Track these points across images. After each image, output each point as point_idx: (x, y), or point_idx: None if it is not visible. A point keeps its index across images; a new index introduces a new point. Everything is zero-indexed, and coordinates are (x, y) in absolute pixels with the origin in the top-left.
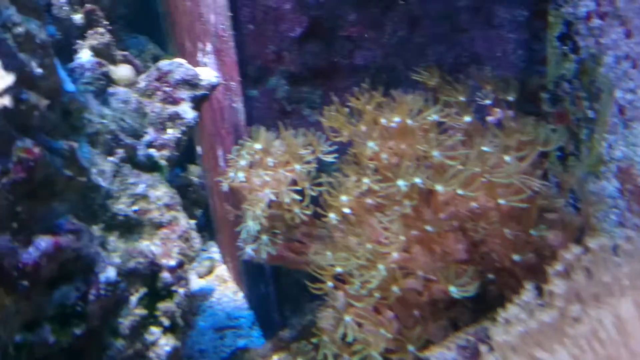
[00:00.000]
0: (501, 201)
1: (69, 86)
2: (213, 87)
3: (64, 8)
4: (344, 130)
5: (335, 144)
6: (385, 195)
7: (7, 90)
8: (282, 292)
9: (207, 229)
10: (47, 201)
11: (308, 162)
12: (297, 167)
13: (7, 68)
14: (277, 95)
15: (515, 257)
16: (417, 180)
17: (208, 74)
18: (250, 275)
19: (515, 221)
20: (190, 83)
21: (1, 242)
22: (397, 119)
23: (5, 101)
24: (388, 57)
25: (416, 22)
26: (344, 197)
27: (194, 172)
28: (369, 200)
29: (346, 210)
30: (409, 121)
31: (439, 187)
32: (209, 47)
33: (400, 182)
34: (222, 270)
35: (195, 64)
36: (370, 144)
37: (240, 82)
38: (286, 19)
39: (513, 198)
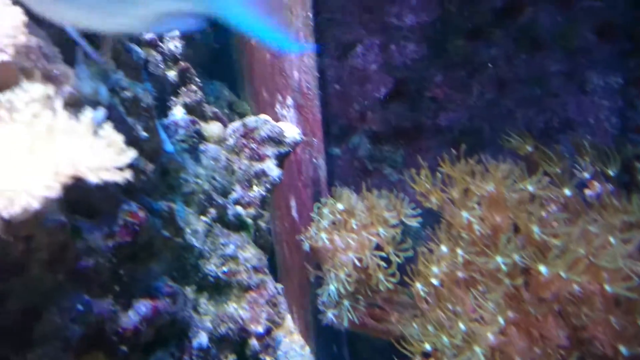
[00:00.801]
0: (607, 287)
1: (168, 146)
2: (296, 144)
3: (159, 66)
4: (433, 196)
5: (420, 207)
6: (480, 270)
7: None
8: (357, 357)
9: (272, 275)
10: (146, 263)
11: (393, 226)
12: (382, 230)
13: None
14: (358, 153)
15: (623, 349)
16: (517, 258)
17: (291, 131)
18: (322, 333)
19: (623, 309)
20: (275, 140)
21: (103, 306)
22: (490, 187)
23: (127, 175)
24: (474, 120)
25: (505, 85)
26: (434, 269)
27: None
28: (460, 274)
29: (435, 281)
30: (504, 191)
31: (542, 269)
32: (289, 100)
33: (499, 259)
34: (287, 320)
35: (273, 114)
36: (464, 214)
37: (323, 139)
38: (372, 80)
39: (620, 284)
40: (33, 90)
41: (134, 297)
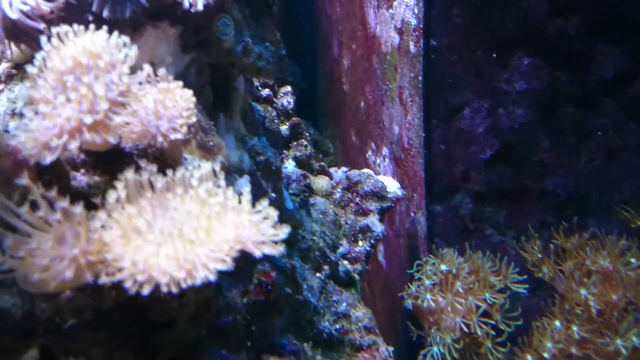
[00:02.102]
0: None
1: (289, 204)
2: (398, 200)
3: (274, 121)
4: (544, 266)
5: (526, 272)
6: (596, 349)
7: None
8: None
9: None
10: (273, 319)
11: (499, 291)
12: (488, 296)
13: (255, 198)
14: (460, 212)
15: None
16: (637, 341)
17: (392, 186)
18: None
19: None
20: (378, 195)
21: None
22: (606, 264)
23: (282, 249)
24: (581, 186)
25: (613, 154)
26: (549, 344)
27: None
28: (574, 350)
29: (548, 356)
30: (620, 269)
31: None
32: (384, 151)
33: (620, 342)
34: None
35: (363, 159)
36: (583, 291)
37: (425, 196)
38: (478, 141)
39: None
40: (202, 167)
41: (262, 352)
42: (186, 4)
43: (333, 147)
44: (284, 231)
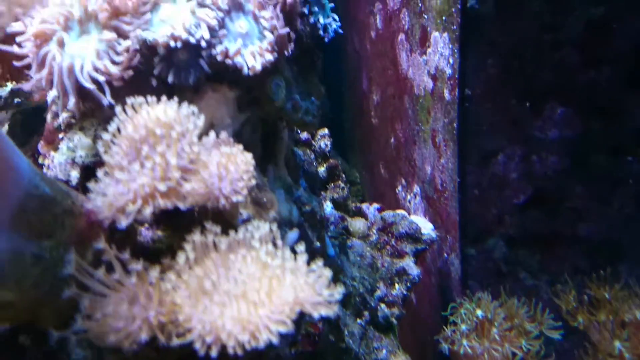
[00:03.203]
0: None
1: (331, 250)
2: (432, 242)
3: (313, 164)
4: (579, 316)
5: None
6: None
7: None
8: None
9: None
10: None
11: (535, 338)
12: (524, 343)
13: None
14: (494, 255)
15: None
16: None
17: (426, 226)
18: None
19: None
20: (413, 237)
21: None
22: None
23: (336, 309)
24: (613, 232)
25: None
26: None
27: None
28: None
29: None
30: None
31: None
32: (416, 189)
33: None
34: None
35: (393, 194)
36: (617, 344)
37: (459, 238)
38: (511, 187)
39: None
40: (261, 228)
41: None
42: (245, 70)
43: (360, 176)
44: (339, 292)
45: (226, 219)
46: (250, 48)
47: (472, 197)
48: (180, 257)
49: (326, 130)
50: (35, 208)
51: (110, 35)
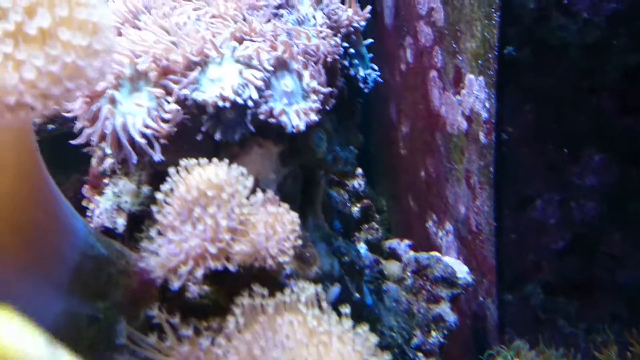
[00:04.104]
0: None
1: (368, 299)
2: (468, 287)
3: (347, 204)
4: None
5: None
6: None
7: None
8: None
9: None
10: None
11: None
12: None
13: (344, 302)
14: (531, 302)
15: None
16: None
17: (461, 270)
18: None
19: None
20: (449, 281)
21: None
22: None
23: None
24: None
25: None
26: None
27: None
28: None
29: None
30: None
31: None
32: (448, 226)
33: None
34: None
35: (423, 229)
36: None
37: (496, 283)
38: (549, 232)
39: None
40: (307, 290)
41: None
42: (289, 128)
43: (386, 205)
44: (384, 358)
45: (270, 275)
46: (295, 107)
47: (509, 242)
48: (230, 322)
49: (359, 170)
50: (91, 269)
51: (160, 94)
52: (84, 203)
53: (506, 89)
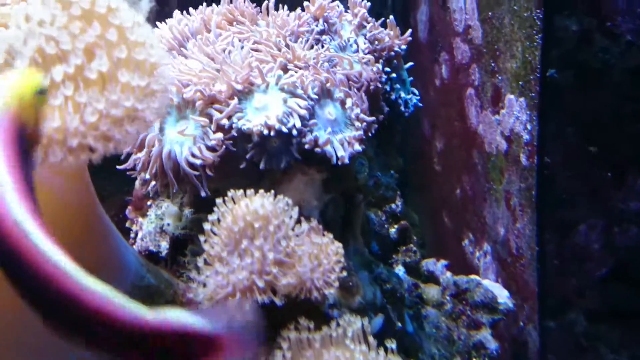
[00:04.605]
0: None
1: (409, 327)
2: (509, 312)
3: (384, 226)
4: None
5: None
6: None
7: None
8: None
9: None
10: None
11: None
12: None
13: (387, 332)
14: (574, 329)
15: None
16: None
17: (502, 294)
18: None
19: None
20: (489, 307)
21: None
22: None
23: None
24: None
25: None
26: None
27: None
28: None
29: None
30: None
31: None
32: (486, 247)
33: None
34: None
35: (459, 248)
36: None
37: (538, 309)
38: (593, 258)
39: None
40: (353, 324)
41: None
42: (334, 160)
43: (419, 219)
44: None
45: (314, 305)
46: (339, 136)
47: (551, 268)
48: (277, 357)
49: (397, 191)
50: (141, 299)
51: (206, 123)
52: (127, 224)
53: (549, 111)
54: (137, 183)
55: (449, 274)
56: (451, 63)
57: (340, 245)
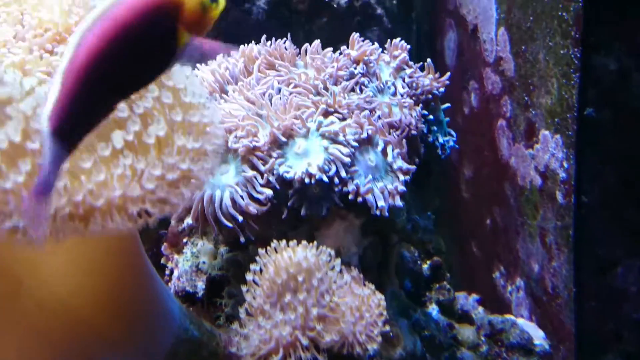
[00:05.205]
0: None
1: None
2: (545, 355)
3: (417, 262)
4: None
5: None
6: None
7: None
8: None
9: None
10: None
11: None
12: None
13: None
14: None
15: None
16: None
17: (537, 335)
18: None
19: None
20: (525, 349)
21: None
22: None
23: None
24: None
25: None
26: None
27: None
28: None
29: None
30: None
31: None
32: (519, 282)
33: None
34: None
35: (489, 279)
36: None
37: (575, 352)
38: (630, 301)
39: None
40: None
41: None
42: (374, 210)
43: (445, 245)
44: None
45: (355, 356)
46: (380, 184)
47: (588, 309)
48: None
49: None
50: (185, 352)
51: (248, 169)
52: (163, 260)
53: (586, 150)
54: (173, 220)
55: (481, 309)
56: (481, 92)
57: (382, 297)
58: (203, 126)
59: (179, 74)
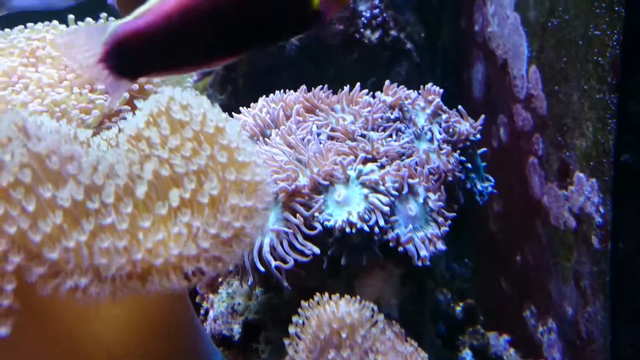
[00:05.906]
0: None
1: None
2: None
3: (450, 305)
4: None
5: None
6: None
7: None
8: None
9: None
10: None
11: None
12: None
13: None
14: None
15: None
16: None
17: None
18: None
19: None
20: None
21: None
22: None
23: None
24: None
25: None
26: None
27: None
28: None
29: None
30: None
31: None
32: (551, 323)
33: None
34: None
35: (520, 318)
36: None
37: None
38: None
39: None
40: None
41: None
42: (415, 260)
43: (470, 275)
44: None
45: None
46: (420, 233)
47: (624, 358)
48: None
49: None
50: None
51: (290, 215)
52: (197, 299)
53: (623, 196)
54: None
55: (512, 350)
56: (511, 127)
57: (426, 356)
58: (255, 184)
59: (231, 131)
